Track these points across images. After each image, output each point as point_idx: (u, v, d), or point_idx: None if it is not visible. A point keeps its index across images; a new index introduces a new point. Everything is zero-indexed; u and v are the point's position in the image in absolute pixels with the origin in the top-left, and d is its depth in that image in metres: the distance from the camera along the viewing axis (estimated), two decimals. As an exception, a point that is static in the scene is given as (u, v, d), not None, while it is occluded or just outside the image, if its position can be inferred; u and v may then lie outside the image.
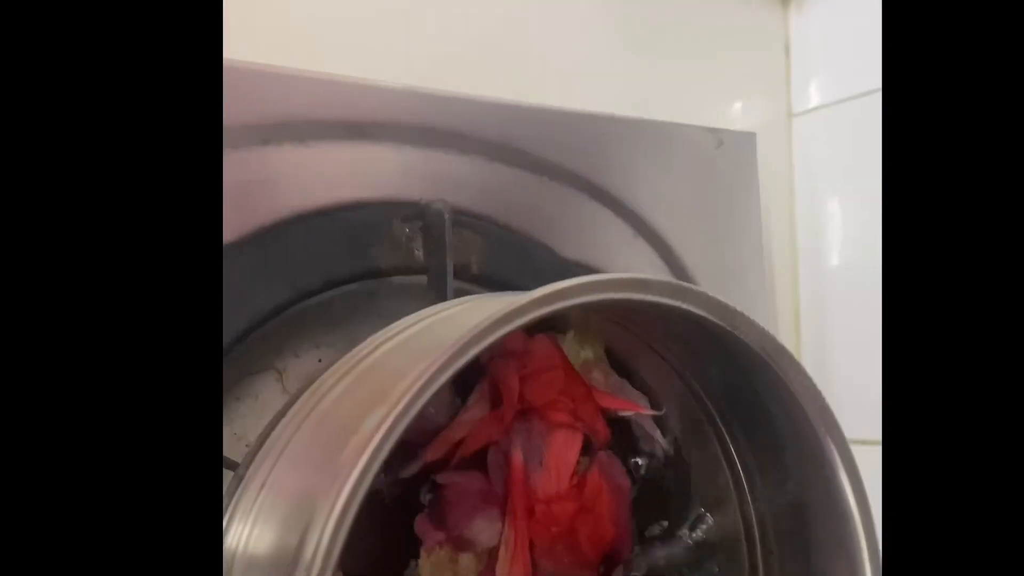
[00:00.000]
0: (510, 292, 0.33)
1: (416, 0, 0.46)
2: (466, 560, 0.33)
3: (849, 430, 0.52)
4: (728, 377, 0.35)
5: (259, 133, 0.38)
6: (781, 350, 0.31)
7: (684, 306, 0.30)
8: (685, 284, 0.30)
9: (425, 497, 0.34)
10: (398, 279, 0.40)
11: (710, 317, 0.30)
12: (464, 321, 0.28)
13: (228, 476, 0.33)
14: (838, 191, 0.66)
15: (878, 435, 0.58)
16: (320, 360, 0.40)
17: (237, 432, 0.38)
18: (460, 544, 0.33)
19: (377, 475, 0.30)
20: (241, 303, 0.37)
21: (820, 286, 0.67)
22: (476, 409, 0.34)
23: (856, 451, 0.54)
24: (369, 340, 0.32)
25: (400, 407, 0.25)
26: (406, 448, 0.33)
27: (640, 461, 0.38)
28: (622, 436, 0.39)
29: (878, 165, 0.64)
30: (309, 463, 0.29)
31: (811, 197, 0.67)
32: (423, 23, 0.46)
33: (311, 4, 0.44)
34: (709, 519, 0.38)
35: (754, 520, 0.36)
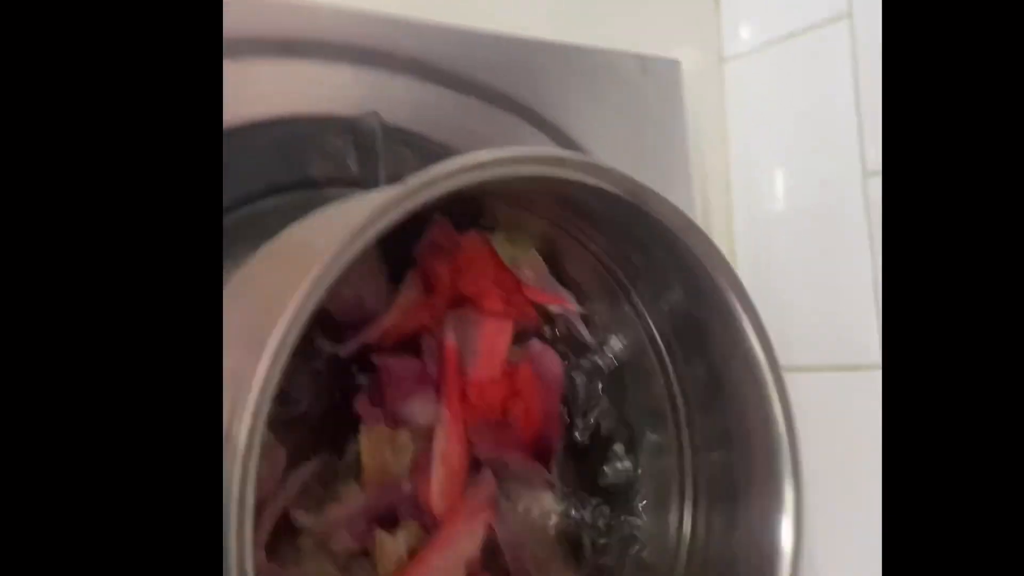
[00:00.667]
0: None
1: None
2: (404, 437, 0.35)
3: (785, 358, 0.55)
4: (644, 258, 0.37)
5: (192, 48, 0.39)
6: (690, 224, 0.33)
7: (598, 183, 0.31)
8: (599, 162, 0.32)
9: (362, 378, 0.35)
10: (333, 190, 0.41)
11: (623, 195, 0.32)
12: (376, 198, 0.29)
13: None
14: (770, 131, 0.68)
15: (810, 361, 0.61)
16: (258, 270, 0.41)
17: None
18: (398, 422, 0.35)
19: (312, 351, 0.32)
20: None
21: (755, 227, 0.69)
22: (409, 296, 0.36)
23: (793, 378, 0.57)
24: (290, 226, 0.33)
25: (312, 278, 0.26)
26: (343, 329, 0.35)
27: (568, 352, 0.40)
28: (556, 331, 0.41)
29: (808, 104, 0.66)
30: (236, 344, 0.30)
31: (745, 140, 0.70)
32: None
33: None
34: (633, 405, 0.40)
35: (679, 400, 0.38)
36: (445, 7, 0.47)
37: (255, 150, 0.40)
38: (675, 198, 0.32)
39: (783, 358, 0.60)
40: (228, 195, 0.39)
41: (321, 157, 0.41)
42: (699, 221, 0.34)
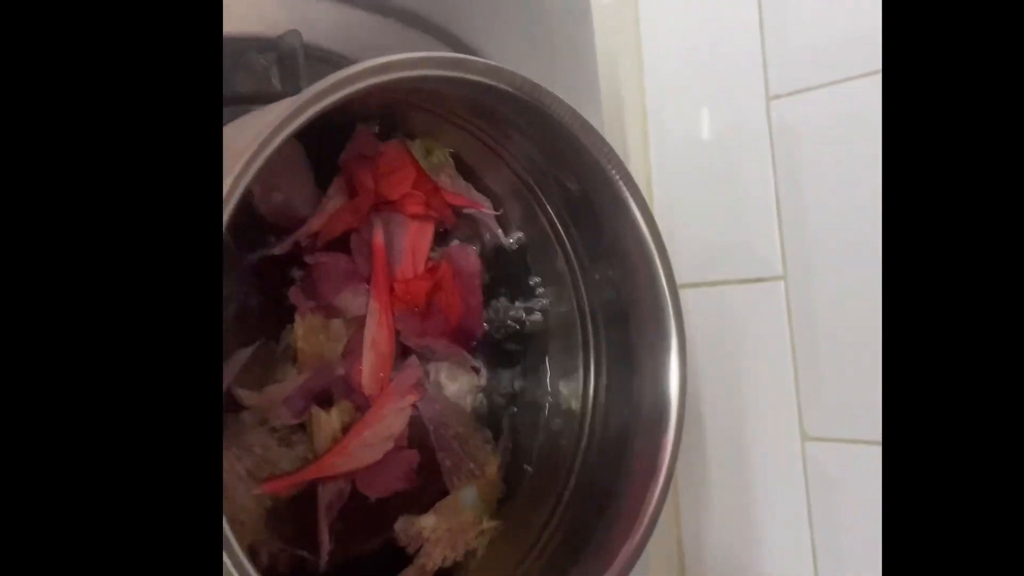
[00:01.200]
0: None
1: None
2: (336, 325, 0.39)
3: (698, 275, 0.59)
4: (546, 162, 0.40)
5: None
6: (582, 120, 0.37)
7: (497, 83, 0.35)
8: (499, 65, 0.35)
9: (296, 274, 0.39)
10: (257, 106, 0.44)
11: (521, 95, 0.36)
12: (294, 100, 0.32)
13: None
14: (685, 61, 0.72)
15: (709, 278, 0.65)
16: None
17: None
18: (330, 312, 0.38)
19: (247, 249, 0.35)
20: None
21: (668, 151, 0.73)
22: (335, 200, 0.39)
23: (703, 292, 0.61)
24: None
25: (232, 176, 0.29)
26: (278, 231, 0.38)
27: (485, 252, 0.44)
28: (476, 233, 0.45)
29: (717, 30, 0.69)
30: None
31: (657, 70, 0.73)
32: None
33: None
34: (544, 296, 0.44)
35: (582, 286, 0.43)
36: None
37: (182, 70, 0.42)
38: (585, 109, 0.36)
39: (694, 275, 0.65)
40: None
41: (245, 74, 0.43)
42: (617, 147, 0.38)
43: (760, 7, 0.63)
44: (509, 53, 0.54)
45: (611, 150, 0.37)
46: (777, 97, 0.62)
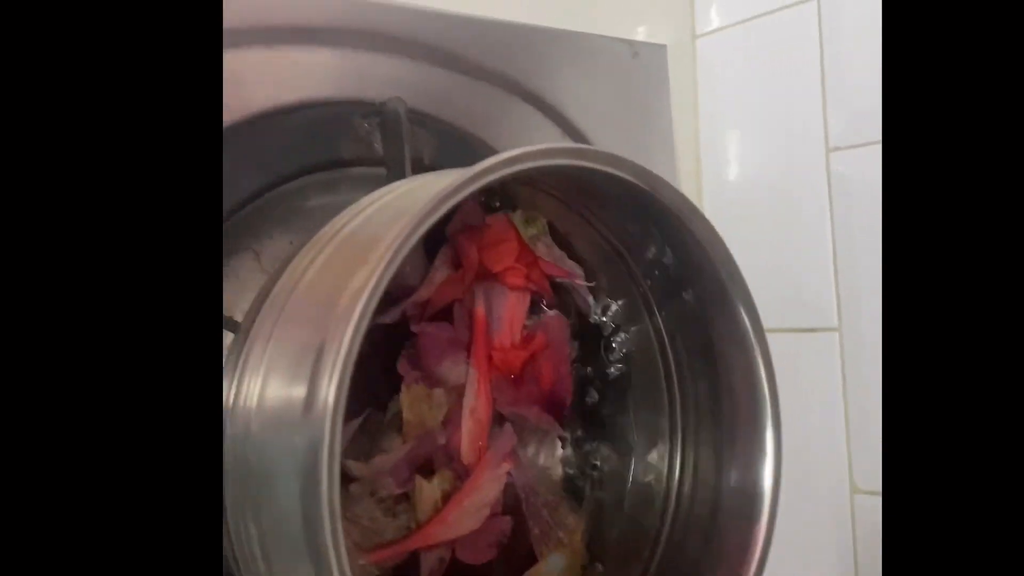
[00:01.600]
0: (461, 168, 0.38)
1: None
2: (439, 394, 0.39)
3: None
4: (647, 238, 0.41)
5: (229, 37, 0.42)
6: (692, 208, 0.37)
7: (615, 171, 0.36)
8: (616, 154, 0.36)
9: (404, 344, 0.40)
10: (359, 170, 0.45)
11: (636, 181, 0.37)
12: (429, 190, 0.33)
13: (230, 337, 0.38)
14: (740, 108, 0.73)
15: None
16: (291, 242, 0.44)
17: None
18: (433, 380, 0.39)
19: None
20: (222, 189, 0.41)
21: (720, 198, 0.74)
22: (442, 271, 0.40)
23: None
24: (340, 215, 0.37)
25: (386, 260, 0.30)
26: (385, 299, 0.39)
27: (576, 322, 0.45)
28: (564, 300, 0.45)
29: (779, 80, 0.70)
30: (309, 316, 0.33)
31: (714, 114, 0.74)
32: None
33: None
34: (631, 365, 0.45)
35: (672, 363, 0.44)
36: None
37: (287, 133, 0.43)
38: (659, 170, 0.37)
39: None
40: (261, 177, 0.43)
41: (350, 139, 0.44)
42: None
43: (822, 61, 0.63)
44: (588, 107, 0.55)
45: (718, 236, 0.38)
46: (837, 149, 0.63)
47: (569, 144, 0.36)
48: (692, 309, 0.42)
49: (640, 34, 0.67)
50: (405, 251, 0.30)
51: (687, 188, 0.71)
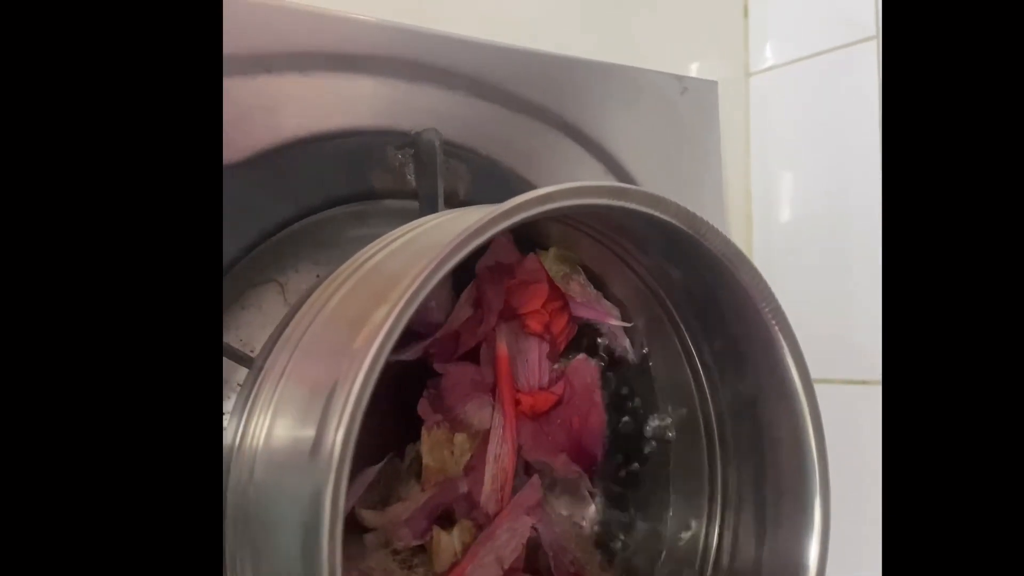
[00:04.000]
0: (493, 204, 0.36)
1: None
2: (461, 440, 0.37)
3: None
4: (689, 282, 0.39)
5: (263, 62, 0.41)
6: (740, 255, 0.35)
7: (657, 213, 0.34)
8: (658, 194, 0.34)
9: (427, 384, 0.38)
10: (391, 202, 0.43)
11: (679, 224, 0.34)
12: (456, 225, 0.32)
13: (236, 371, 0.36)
14: (793, 147, 0.70)
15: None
16: (318, 276, 0.43)
17: (243, 338, 0.41)
18: (455, 424, 0.37)
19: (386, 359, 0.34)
20: (248, 218, 0.40)
21: (772, 237, 0.72)
22: (466, 308, 0.38)
23: None
24: (365, 248, 0.35)
25: (405, 299, 0.28)
26: (407, 335, 0.37)
27: (610, 365, 0.43)
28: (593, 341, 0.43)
29: (832, 120, 0.68)
30: (323, 353, 0.32)
31: (766, 153, 0.72)
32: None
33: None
34: (669, 416, 0.42)
35: (712, 415, 0.41)
36: (498, 27, 0.49)
37: (317, 162, 0.42)
38: (707, 210, 0.34)
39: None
40: (289, 206, 0.41)
41: (382, 170, 0.43)
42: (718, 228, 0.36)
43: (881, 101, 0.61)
44: (633, 143, 0.53)
45: (766, 286, 0.36)
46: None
47: (607, 182, 0.34)
48: (735, 360, 0.39)
49: (692, 70, 0.65)
50: (427, 289, 0.28)
51: (737, 229, 0.69)
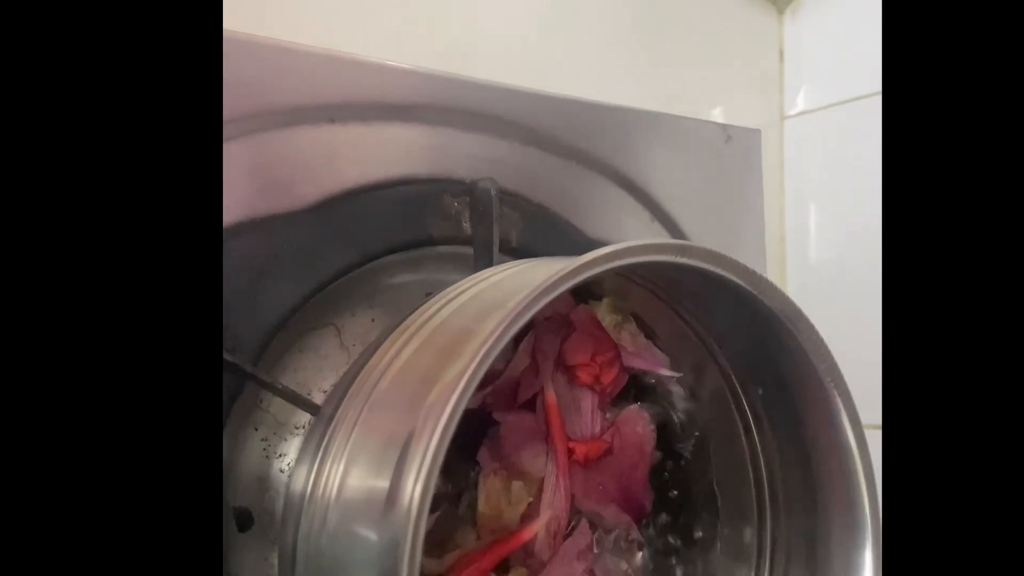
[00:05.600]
0: (552, 258, 0.37)
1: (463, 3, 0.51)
2: (518, 487, 0.38)
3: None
4: (742, 337, 0.39)
5: (326, 112, 0.42)
6: (798, 313, 0.36)
7: (719, 271, 0.34)
8: (720, 252, 0.35)
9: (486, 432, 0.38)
10: (446, 248, 0.44)
11: (740, 281, 0.35)
12: (520, 282, 0.32)
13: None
14: (825, 190, 0.71)
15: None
16: (373, 320, 0.44)
17: (300, 381, 0.42)
18: (512, 472, 0.38)
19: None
20: (311, 264, 0.41)
21: (805, 279, 0.72)
22: (523, 358, 0.39)
23: None
24: (428, 303, 0.36)
25: (480, 356, 0.28)
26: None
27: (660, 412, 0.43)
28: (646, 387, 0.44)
29: (864, 165, 0.69)
30: (396, 406, 0.32)
31: (799, 195, 0.72)
32: (472, 21, 0.51)
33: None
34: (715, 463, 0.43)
35: (762, 465, 0.41)
36: (549, 78, 0.50)
37: (377, 210, 0.43)
38: (750, 256, 0.35)
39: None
40: (349, 253, 0.42)
41: (439, 217, 0.44)
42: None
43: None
44: (679, 191, 0.54)
45: (825, 347, 0.36)
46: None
47: (671, 240, 0.35)
48: (786, 411, 0.39)
49: (728, 114, 0.66)
50: (500, 346, 0.29)
51: (772, 271, 0.70)
